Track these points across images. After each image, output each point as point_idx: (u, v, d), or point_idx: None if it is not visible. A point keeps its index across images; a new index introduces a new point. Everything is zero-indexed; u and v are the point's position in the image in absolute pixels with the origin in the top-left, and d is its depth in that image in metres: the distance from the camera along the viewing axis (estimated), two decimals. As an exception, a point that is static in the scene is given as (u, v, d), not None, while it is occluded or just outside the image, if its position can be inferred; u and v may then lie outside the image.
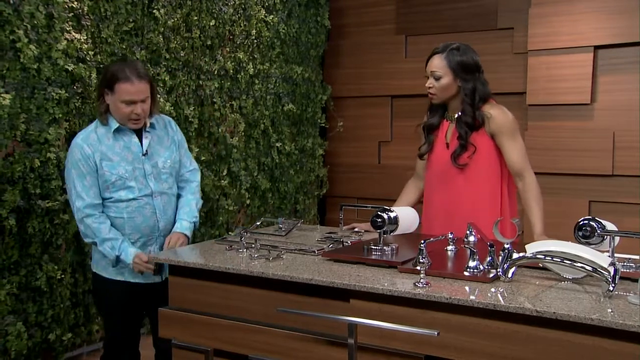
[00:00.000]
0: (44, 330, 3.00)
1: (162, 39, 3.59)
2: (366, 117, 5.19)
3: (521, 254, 1.80)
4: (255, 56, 4.40)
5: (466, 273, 1.82)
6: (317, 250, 2.16)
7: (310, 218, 5.17)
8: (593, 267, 1.67)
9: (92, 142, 2.31)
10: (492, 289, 1.72)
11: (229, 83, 4.16)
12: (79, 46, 3.08)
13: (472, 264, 1.83)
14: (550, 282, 1.79)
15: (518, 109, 4.60)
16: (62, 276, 3.06)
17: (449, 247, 2.15)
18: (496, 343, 1.63)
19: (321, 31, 5.18)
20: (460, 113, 2.43)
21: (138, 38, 3.46)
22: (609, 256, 1.79)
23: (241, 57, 4.23)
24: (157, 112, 2.47)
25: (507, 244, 1.82)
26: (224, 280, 2.05)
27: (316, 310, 1.88)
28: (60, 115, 3.00)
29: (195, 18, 3.83)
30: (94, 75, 3.17)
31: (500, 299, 1.63)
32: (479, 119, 2.40)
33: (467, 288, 1.73)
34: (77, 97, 3.11)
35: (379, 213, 2.10)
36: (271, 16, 4.49)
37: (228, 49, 4.16)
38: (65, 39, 3.02)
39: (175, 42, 3.70)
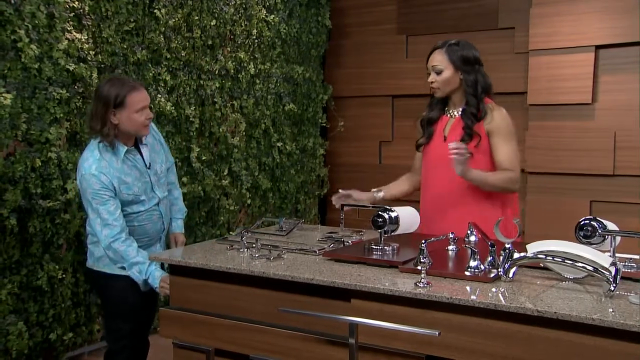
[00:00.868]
0: (45, 329, 3.00)
1: (163, 39, 3.60)
2: (367, 117, 5.19)
3: (522, 254, 1.80)
4: (256, 56, 4.40)
5: (467, 273, 1.82)
6: (318, 250, 2.16)
7: (311, 218, 5.17)
8: (594, 267, 1.67)
9: (105, 170, 2.34)
10: (493, 289, 1.71)
11: (230, 83, 4.16)
12: (80, 46, 3.09)
13: (473, 263, 1.83)
14: (551, 282, 1.78)
15: (519, 108, 4.60)
16: (63, 276, 3.06)
17: (450, 247, 2.15)
18: (497, 343, 1.63)
19: (322, 31, 5.18)
20: (465, 106, 2.47)
21: (139, 38, 3.46)
22: (610, 256, 1.79)
23: (242, 56, 4.23)
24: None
25: (508, 243, 1.82)
26: (225, 280, 2.05)
27: (317, 310, 1.88)
28: (61, 115, 3.00)
29: (196, 18, 3.83)
30: (94, 75, 3.17)
31: (502, 298, 1.63)
32: (482, 110, 2.45)
33: (468, 288, 1.73)
34: (78, 97, 3.11)
35: (380, 213, 2.10)
36: (272, 16, 4.49)
37: (229, 49, 4.16)
38: (66, 38, 3.02)
39: (176, 41, 3.70)
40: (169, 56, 3.65)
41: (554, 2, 4.31)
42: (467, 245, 1.93)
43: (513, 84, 4.59)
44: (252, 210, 4.48)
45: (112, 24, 3.27)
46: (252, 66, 4.33)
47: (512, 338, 1.61)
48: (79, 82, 3.11)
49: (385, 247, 2.05)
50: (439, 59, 2.46)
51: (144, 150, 2.49)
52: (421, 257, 1.77)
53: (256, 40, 4.39)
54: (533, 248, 1.86)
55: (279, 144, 4.69)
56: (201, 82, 3.92)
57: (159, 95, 3.58)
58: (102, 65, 3.23)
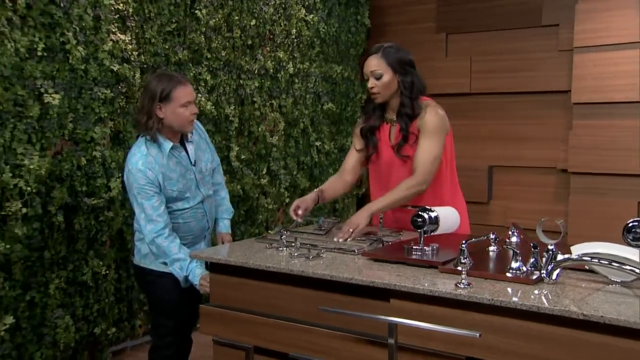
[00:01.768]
0: (90, 324, 3.08)
1: (203, 39, 3.65)
2: (406, 116, 5.15)
3: (566, 256, 1.76)
4: (295, 55, 4.42)
5: (508, 274, 1.78)
6: (357, 249, 2.16)
7: (349, 217, 5.15)
8: (642, 270, 1.62)
9: (151, 165, 2.38)
10: (536, 291, 1.68)
11: (269, 82, 4.19)
12: (123, 47, 3.16)
13: (514, 265, 1.79)
14: (597, 285, 1.74)
15: (562, 107, 4.51)
16: (107, 272, 3.14)
17: (491, 248, 2.11)
18: (539, 346, 1.60)
19: (361, 30, 5.17)
20: (399, 107, 2.46)
21: (180, 38, 3.52)
22: (660, 259, 1.74)
23: (281, 56, 4.26)
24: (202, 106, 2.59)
25: (551, 245, 1.78)
26: (264, 278, 2.06)
27: (356, 309, 1.87)
28: (106, 115, 3.08)
29: (236, 18, 3.87)
30: (137, 75, 3.24)
31: (544, 301, 1.60)
32: (416, 108, 2.44)
33: (509, 289, 1.70)
34: (122, 97, 3.18)
35: (420, 212, 2.08)
36: (311, 15, 4.51)
37: (268, 49, 4.19)
38: (111, 40, 3.09)
39: (217, 41, 3.75)
40: (209, 56, 3.70)
41: (601, -2, 4.21)
42: (509, 246, 1.90)
43: (556, 82, 4.50)
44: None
45: (154, 24, 3.34)
46: (291, 65, 4.35)
47: (555, 342, 1.58)
48: (122, 82, 3.18)
49: (425, 248, 2.03)
50: (376, 63, 2.43)
51: (189, 147, 2.51)
52: (462, 257, 1.75)
53: (295, 40, 4.41)
54: (578, 250, 1.82)
55: (318, 143, 4.70)
56: (241, 81, 3.96)
57: (200, 95, 3.63)
58: (145, 66, 3.30)
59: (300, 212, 2.46)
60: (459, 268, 1.75)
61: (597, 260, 1.71)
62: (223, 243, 2.67)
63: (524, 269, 1.79)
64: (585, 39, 4.26)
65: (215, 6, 3.71)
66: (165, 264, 2.41)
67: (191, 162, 2.50)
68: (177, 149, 2.46)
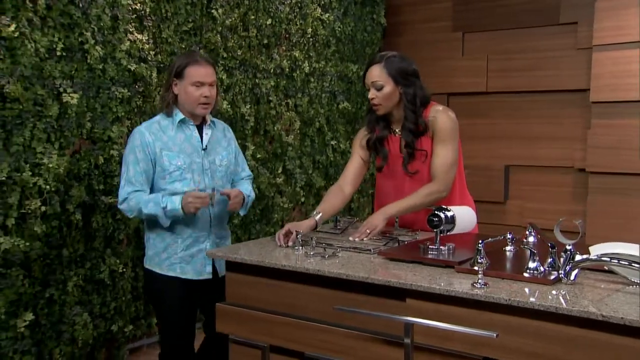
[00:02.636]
0: (107, 321, 3.11)
1: (220, 38, 3.66)
2: (422, 115, 5.13)
3: (585, 256, 1.75)
4: (311, 54, 4.42)
5: (526, 274, 1.77)
6: (373, 248, 2.16)
7: (364, 216, 5.15)
8: (663, 271, 1.60)
9: (154, 130, 2.38)
10: (554, 291, 1.67)
11: (284, 81, 4.20)
12: (140, 46, 3.18)
13: (532, 265, 1.78)
14: (616, 286, 1.72)
15: (580, 106, 4.46)
16: (124, 270, 3.16)
17: (508, 248, 2.10)
18: (558, 347, 1.59)
19: (377, 29, 5.16)
20: (403, 121, 2.42)
21: (197, 37, 3.53)
22: (681, 260, 1.71)
23: (297, 55, 4.26)
24: (219, 105, 2.53)
25: (569, 245, 1.77)
26: (280, 277, 2.07)
27: (372, 309, 1.87)
28: (123, 114, 3.10)
29: (252, 17, 3.88)
30: (154, 74, 3.26)
31: (563, 301, 1.59)
32: (421, 125, 2.40)
33: (527, 290, 1.69)
34: (139, 96, 3.21)
35: (436, 212, 2.07)
36: (327, 14, 4.51)
37: (284, 48, 4.20)
38: (129, 39, 3.12)
39: (233, 41, 3.76)
40: (225, 55, 3.72)
41: (621, -5, 4.16)
42: (526, 246, 1.89)
43: (574, 81, 4.46)
44: (306, 208, 4.51)
45: (171, 24, 3.36)
46: (307, 65, 4.35)
47: (574, 342, 1.56)
48: (139, 81, 3.20)
49: (441, 247, 2.02)
50: (377, 74, 2.39)
51: (206, 131, 2.48)
52: (478, 257, 1.74)
53: (311, 39, 4.41)
54: (597, 250, 1.80)
55: (333, 142, 4.70)
56: (256, 80, 3.97)
57: (216, 94, 3.65)
58: (162, 65, 3.32)
59: (288, 238, 2.25)
60: (476, 268, 1.74)
61: (616, 261, 1.69)
62: (230, 191, 2.44)
63: (542, 269, 1.78)
64: (605, 36, 4.21)
65: (231, 5, 3.73)
66: (147, 218, 2.37)
67: (202, 147, 2.46)
68: (189, 125, 2.44)
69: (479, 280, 1.72)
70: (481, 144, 4.85)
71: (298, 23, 4.27)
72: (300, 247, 2.20)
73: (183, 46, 3.44)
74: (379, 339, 1.87)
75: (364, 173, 2.60)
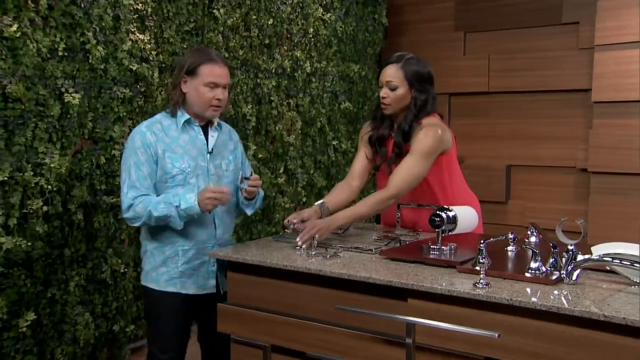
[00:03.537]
0: (109, 321, 3.11)
1: (221, 38, 3.66)
2: (423, 115, 5.13)
3: (587, 256, 1.75)
4: (313, 54, 4.42)
5: (528, 274, 1.77)
6: (375, 248, 2.16)
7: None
8: (665, 271, 1.60)
9: (156, 131, 2.22)
10: (556, 292, 1.67)
11: (286, 81, 4.20)
12: (142, 46, 3.18)
13: (534, 265, 1.78)
14: (619, 286, 1.72)
15: (581, 106, 4.46)
16: (125, 270, 3.16)
17: (509, 248, 2.10)
18: (559, 347, 1.59)
19: (378, 29, 5.15)
20: (402, 120, 2.41)
21: (198, 37, 3.54)
22: (683, 260, 1.71)
23: (298, 55, 4.26)
24: (228, 105, 2.41)
25: (571, 245, 1.77)
26: (281, 277, 2.07)
27: (374, 308, 1.87)
28: (124, 114, 3.10)
29: (254, 17, 3.88)
30: (156, 74, 3.26)
31: (564, 301, 1.59)
32: (413, 128, 2.38)
33: (528, 290, 1.69)
34: (140, 96, 3.21)
35: (438, 212, 2.07)
36: (328, 14, 4.51)
37: (286, 48, 4.20)
38: (130, 39, 3.12)
39: (234, 41, 3.76)
40: (227, 55, 3.71)
41: (623, -5, 4.15)
42: (528, 246, 1.89)
43: (576, 81, 4.45)
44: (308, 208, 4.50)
45: (173, 24, 3.36)
46: (309, 64, 4.35)
47: (575, 343, 1.56)
48: (141, 81, 3.20)
49: (443, 247, 2.02)
50: (394, 74, 2.37)
51: (211, 133, 2.31)
52: (480, 257, 1.74)
53: (312, 39, 4.41)
54: (599, 250, 1.80)
55: (335, 142, 4.70)
56: (258, 80, 3.97)
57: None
58: (163, 65, 3.32)
59: (294, 220, 2.28)
60: (478, 268, 1.74)
61: (618, 261, 1.69)
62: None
63: (544, 269, 1.78)
64: (607, 36, 4.20)
65: (233, 5, 3.73)
66: (155, 223, 2.18)
67: (207, 149, 2.29)
68: (194, 126, 2.26)
69: (481, 280, 1.72)
70: (483, 144, 4.85)
71: (299, 23, 4.27)
72: (302, 247, 2.17)
73: (185, 46, 3.44)
74: (380, 339, 1.87)
75: (370, 168, 2.59)
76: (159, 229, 2.26)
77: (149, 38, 3.23)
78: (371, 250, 2.15)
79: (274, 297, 2.11)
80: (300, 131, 4.36)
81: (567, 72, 4.49)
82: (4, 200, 2.55)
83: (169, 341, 2.32)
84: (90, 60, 2.90)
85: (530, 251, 1.82)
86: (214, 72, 2.21)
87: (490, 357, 1.70)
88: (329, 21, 4.51)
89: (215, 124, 2.34)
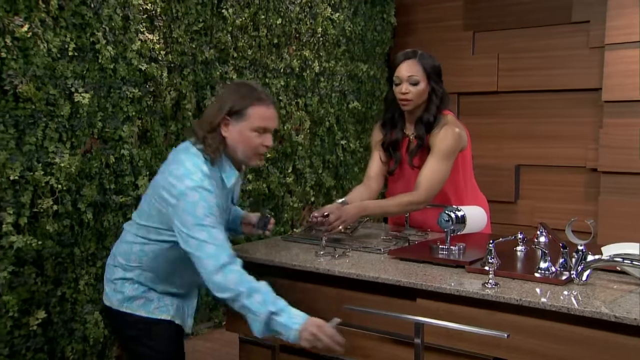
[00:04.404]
0: (117, 320, 3.12)
1: (230, 38, 3.67)
2: (432, 115, 5.12)
3: (597, 257, 1.74)
4: (321, 54, 4.42)
5: (537, 274, 1.77)
6: (383, 248, 2.15)
7: (375, 217, 5.14)
8: (676, 272, 1.59)
9: (214, 190, 1.82)
10: (565, 292, 1.66)
11: (294, 81, 4.20)
12: (151, 46, 3.19)
13: (543, 265, 1.78)
14: (629, 287, 1.71)
15: (592, 106, 4.43)
16: (135, 269, 3.17)
17: (519, 248, 2.10)
18: (569, 348, 1.58)
19: (387, 28, 5.15)
20: (422, 113, 2.41)
21: (207, 37, 3.55)
22: (694, 261, 1.70)
23: (307, 55, 4.27)
24: None
25: (581, 245, 1.76)
26: (290, 276, 2.07)
27: (382, 308, 1.87)
28: (134, 113, 3.12)
29: (263, 17, 3.89)
30: (165, 74, 3.27)
31: (574, 302, 1.58)
32: (437, 119, 2.39)
33: (538, 290, 1.68)
34: (149, 96, 3.22)
35: (447, 212, 2.07)
36: (337, 14, 4.51)
37: (294, 47, 4.20)
38: (139, 39, 3.13)
39: (243, 41, 3.77)
40: (235, 55, 3.73)
41: (634, -7, 4.12)
42: (537, 246, 1.89)
43: (586, 80, 4.43)
44: (316, 208, 4.51)
45: (181, 24, 3.37)
46: (317, 64, 4.35)
47: (585, 344, 1.56)
48: (150, 81, 3.21)
49: (452, 247, 2.02)
50: (414, 69, 2.37)
51: (236, 181, 1.98)
52: (489, 257, 1.73)
53: (321, 39, 4.41)
54: (609, 250, 1.79)
55: (343, 142, 4.70)
56: (266, 80, 3.98)
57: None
58: (172, 65, 3.34)
59: (316, 213, 2.20)
60: (487, 268, 1.74)
61: (629, 262, 1.68)
62: (248, 219, 2.17)
63: (553, 269, 1.77)
64: (617, 35, 4.18)
65: (241, 5, 3.74)
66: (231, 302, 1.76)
67: (232, 200, 2.03)
68: (237, 182, 1.95)
69: (490, 281, 1.72)
70: (492, 144, 4.83)
71: (308, 23, 4.27)
72: (311, 247, 2.18)
73: (193, 46, 3.45)
74: (389, 339, 1.88)
75: (385, 171, 2.57)
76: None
77: (158, 38, 3.25)
78: (380, 250, 2.15)
79: (282, 296, 2.09)
80: (308, 131, 4.36)
81: (577, 72, 4.47)
82: (14, 200, 2.57)
83: None
84: (99, 60, 2.91)
85: (540, 251, 1.81)
86: (265, 114, 1.88)
87: (499, 358, 1.69)
88: (337, 21, 4.51)
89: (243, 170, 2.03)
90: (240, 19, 3.73)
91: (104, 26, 2.93)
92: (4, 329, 2.55)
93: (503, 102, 4.84)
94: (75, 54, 2.79)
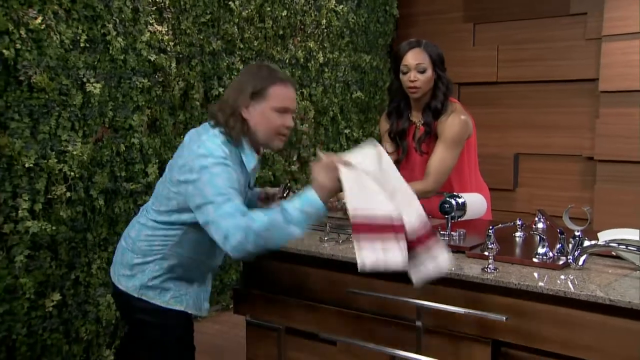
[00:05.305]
0: (128, 303, 3.21)
1: (236, 30, 3.73)
2: (433, 105, 5.18)
3: (593, 242, 1.78)
4: (325, 45, 4.48)
5: (535, 259, 1.81)
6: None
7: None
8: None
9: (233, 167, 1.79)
10: (562, 276, 1.70)
11: (299, 71, 4.26)
12: (160, 37, 3.25)
13: (541, 250, 1.82)
14: (624, 271, 1.76)
15: (589, 96, 4.49)
16: (144, 254, 3.25)
17: (517, 234, 2.15)
18: (566, 330, 1.63)
19: (390, 20, 5.20)
20: (430, 99, 2.45)
21: (214, 29, 3.61)
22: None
23: (311, 46, 4.32)
24: None
25: (578, 231, 1.80)
26: (295, 261, 2.11)
27: (384, 292, 1.91)
28: (143, 103, 3.18)
29: (269, 9, 3.94)
30: (173, 64, 3.33)
31: (571, 286, 1.62)
32: (445, 106, 2.43)
33: (536, 274, 1.73)
34: (159, 86, 3.29)
35: (447, 199, 2.11)
36: (341, 6, 4.56)
37: (299, 39, 4.26)
38: (149, 31, 3.19)
39: (249, 32, 3.83)
40: (242, 46, 3.78)
41: (631, -14, 4.17)
42: (535, 232, 1.93)
43: (583, 70, 4.49)
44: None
45: (190, 16, 3.43)
46: (321, 55, 4.41)
47: (582, 326, 1.60)
48: (159, 71, 3.28)
49: (452, 233, 2.07)
50: (421, 57, 2.41)
51: (256, 166, 1.95)
52: (489, 242, 1.77)
53: (325, 30, 4.46)
54: (605, 236, 1.84)
55: (347, 131, 4.76)
56: (272, 70, 4.03)
57: (232, 84, 3.72)
58: (180, 56, 3.40)
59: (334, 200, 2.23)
60: (486, 253, 1.78)
61: (624, 247, 1.72)
62: (265, 192, 2.18)
63: (551, 254, 1.81)
64: (614, 27, 4.23)
65: (247, -3, 3.80)
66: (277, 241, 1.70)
67: (249, 185, 1.99)
68: (256, 166, 1.92)
69: (490, 265, 1.76)
70: (491, 133, 4.89)
71: (313, 14, 4.32)
72: (315, 232, 2.23)
73: (201, 37, 3.51)
74: (391, 322, 1.92)
75: (394, 160, 2.62)
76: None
77: (166, 29, 3.31)
78: (384, 236, 2.20)
79: (287, 281, 2.16)
80: (313, 120, 4.43)
81: (575, 62, 4.52)
82: (30, 186, 2.64)
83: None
84: (110, 51, 2.98)
85: (538, 237, 1.86)
86: (285, 94, 1.85)
87: (498, 340, 1.74)
88: (341, 13, 4.57)
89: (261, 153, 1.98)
90: (247, 11, 3.78)
91: (114, 18, 2.99)
92: (22, 310, 2.63)
93: (502, 93, 4.90)
94: (87, 45, 2.86)
